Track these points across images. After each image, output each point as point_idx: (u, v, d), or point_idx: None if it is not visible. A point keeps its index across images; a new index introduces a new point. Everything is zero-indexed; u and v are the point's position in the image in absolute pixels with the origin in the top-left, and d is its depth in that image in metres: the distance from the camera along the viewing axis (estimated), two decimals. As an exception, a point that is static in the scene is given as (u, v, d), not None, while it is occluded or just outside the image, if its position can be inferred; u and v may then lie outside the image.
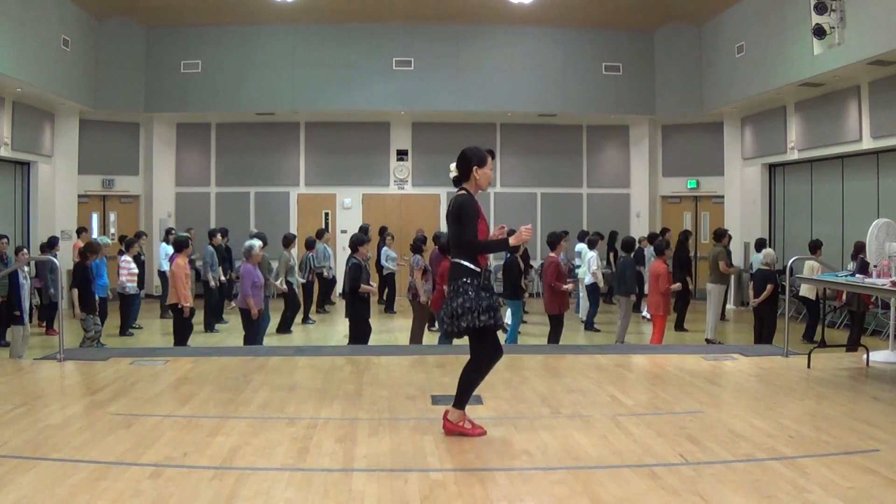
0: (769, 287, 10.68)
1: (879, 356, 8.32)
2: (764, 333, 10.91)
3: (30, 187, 15.66)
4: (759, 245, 14.00)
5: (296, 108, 17.57)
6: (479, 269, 5.23)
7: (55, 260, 10.38)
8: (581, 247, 15.09)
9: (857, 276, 8.34)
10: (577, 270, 15.03)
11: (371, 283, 10.28)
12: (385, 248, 15.58)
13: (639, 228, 18.11)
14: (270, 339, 11.98)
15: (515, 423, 5.72)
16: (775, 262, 11.29)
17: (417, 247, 11.21)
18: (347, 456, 4.92)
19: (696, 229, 18.24)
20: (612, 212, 18.88)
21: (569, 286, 10.65)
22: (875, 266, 8.15)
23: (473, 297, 5.15)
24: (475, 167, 5.31)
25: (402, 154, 18.72)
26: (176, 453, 4.92)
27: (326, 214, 18.70)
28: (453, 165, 5.42)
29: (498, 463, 4.81)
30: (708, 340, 11.86)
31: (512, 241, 5.32)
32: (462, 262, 5.24)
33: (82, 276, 10.14)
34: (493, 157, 5.47)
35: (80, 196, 17.02)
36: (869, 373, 7.80)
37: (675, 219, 18.73)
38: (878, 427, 5.55)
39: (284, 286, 12.63)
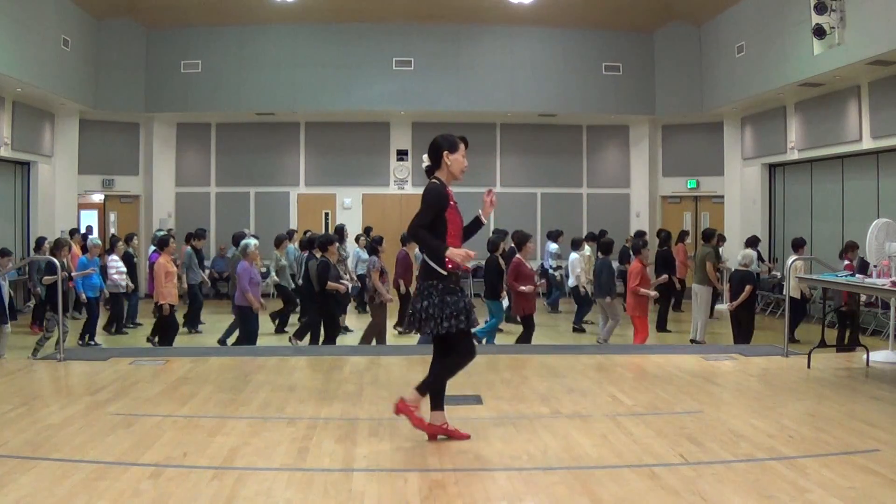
0: (748, 288, 10.44)
1: (879, 356, 8.32)
2: (741, 336, 10.63)
3: (30, 187, 15.67)
4: (752, 242, 13.51)
5: (296, 108, 17.58)
6: (445, 273, 4.98)
7: (53, 259, 10.35)
8: (555, 247, 15.12)
9: (858, 276, 8.35)
10: (553, 272, 15.13)
11: (342, 281, 10.24)
12: (357, 250, 15.28)
13: (639, 228, 18.09)
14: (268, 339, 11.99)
15: (515, 423, 5.71)
16: (753, 262, 11.08)
17: (373, 248, 11.02)
18: (347, 456, 4.92)
19: (696, 229, 18.23)
20: (612, 212, 18.88)
21: (528, 288, 10.25)
22: (875, 266, 8.16)
23: (437, 302, 4.97)
24: (446, 152, 5.10)
25: (402, 154, 18.73)
26: (176, 453, 4.92)
27: (326, 214, 18.71)
28: (425, 156, 5.22)
29: (498, 463, 4.81)
30: (693, 341, 11.67)
31: (448, 254, 4.87)
32: (430, 262, 5.01)
33: (49, 273, 10.06)
34: (467, 146, 5.19)
35: (79, 196, 17.03)
36: (869, 373, 7.80)
37: (675, 219, 18.74)
38: (878, 427, 5.55)
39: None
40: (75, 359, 8.29)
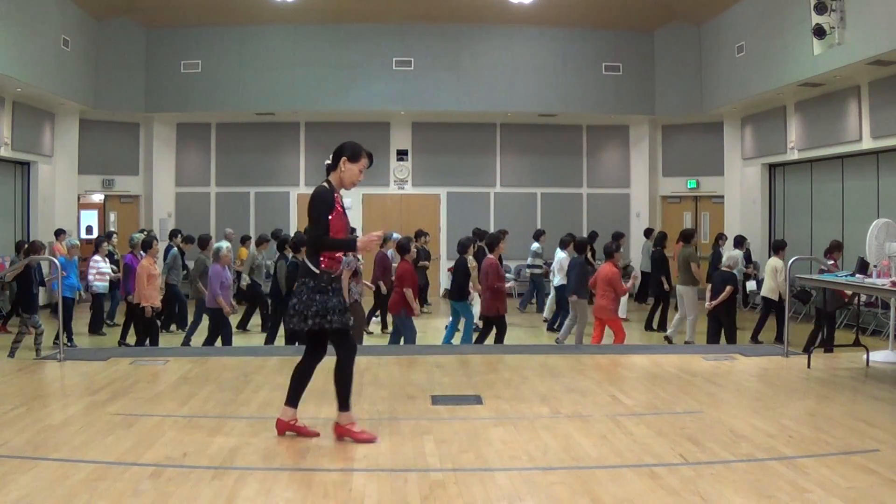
0: (728, 289, 10.37)
1: (879, 356, 8.32)
2: (723, 336, 10.55)
3: (30, 187, 15.66)
4: (738, 243, 13.37)
5: (296, 108, 17.57)
6: (317, 271, 5.06)
7: (54, 259, 10.37)
8: (536, 246, 15.16)
9: (857, 276, 8.35)
10: (535, 271, 15.19)
11: None
12: None
13: (639, 228, 18.12)
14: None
15: (515, 423, 5.72)
16: (738, 263, 11.02)
17: None
18: (347, 456, 4.92)
19: (696, 229, 18.20)
20: (611, 212, 18.87)
21: (508, 285, 10.31)
22: (875, 266, 8.16)
23: (305, 299, 5.04)
24: (345, 158, 5.19)
25: (402, 154, 18.70)
26: (176, 453, 4.92)
27: (326, 214, 18.68)
28: (332, 154, 5.29)
29: (498, 463, 4.81)
30: (686, 342, 11.65)
31: (359, 244, 5.14)
32: (305, 260, 5.18)
33: (23, 275, 10.10)
34: (371, 162, 5.34)
35: (79, 196, 17.02)
36: (869, 373, 7.80)
37: (676, 219, 18.74)
38: (878, 427, 5.55)
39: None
40: (75, 359, 8.29)
